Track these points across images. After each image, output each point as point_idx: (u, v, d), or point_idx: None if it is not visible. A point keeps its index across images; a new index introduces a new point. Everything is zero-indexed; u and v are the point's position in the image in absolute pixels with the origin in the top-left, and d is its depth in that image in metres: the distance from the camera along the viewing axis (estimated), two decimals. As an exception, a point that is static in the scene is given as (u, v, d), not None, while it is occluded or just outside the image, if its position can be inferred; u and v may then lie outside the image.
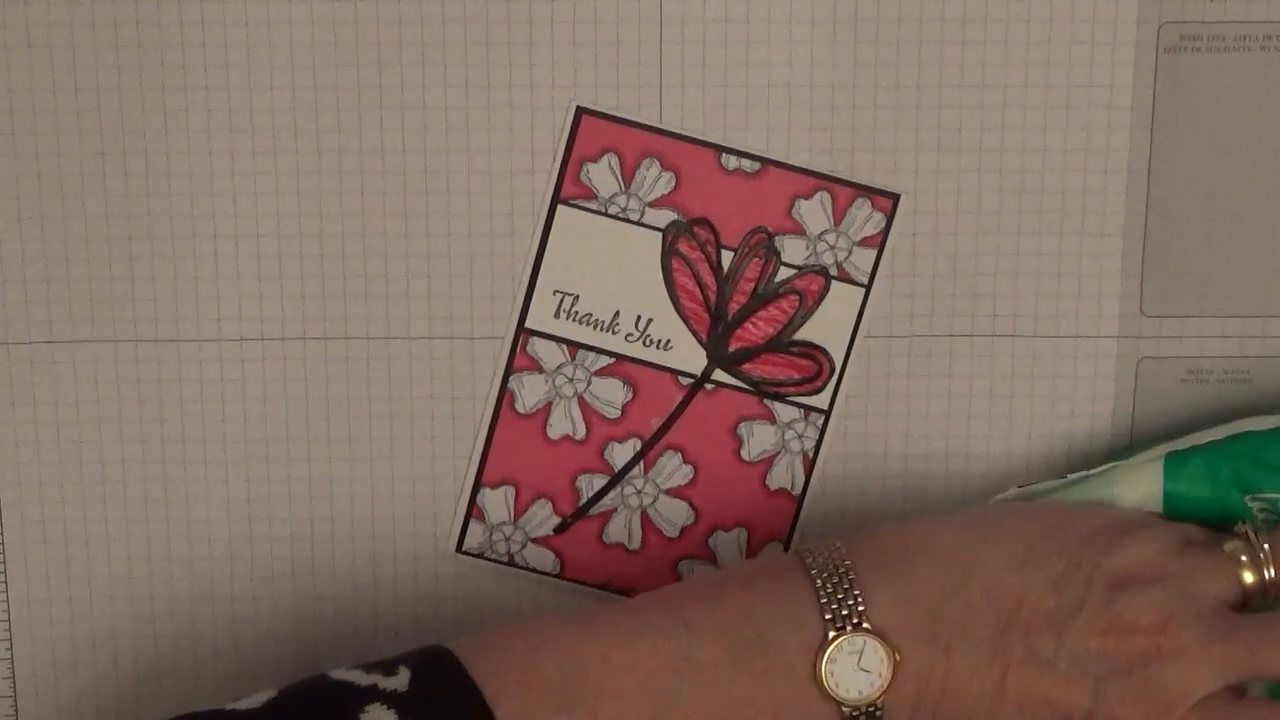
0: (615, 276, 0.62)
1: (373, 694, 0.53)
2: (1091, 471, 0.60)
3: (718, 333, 0.62)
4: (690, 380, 0.62)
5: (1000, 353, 0.62)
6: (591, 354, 0.62)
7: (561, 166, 0.61)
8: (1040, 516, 0.58)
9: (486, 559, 0.64)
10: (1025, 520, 0.58)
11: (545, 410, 0.63)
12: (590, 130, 0.61)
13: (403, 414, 0.63)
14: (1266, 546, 0.56)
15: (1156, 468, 0.59)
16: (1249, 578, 0.56)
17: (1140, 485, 0.59)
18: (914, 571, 0.56)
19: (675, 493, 0.63)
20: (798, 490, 0.63)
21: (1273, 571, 0.56)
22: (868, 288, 0.62)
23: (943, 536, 0.57)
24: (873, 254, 0.62)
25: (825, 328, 0.62)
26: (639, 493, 0.63)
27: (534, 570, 0.64)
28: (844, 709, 0.55)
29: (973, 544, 0.57)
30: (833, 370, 0.62)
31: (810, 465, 0.63)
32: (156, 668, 0.64)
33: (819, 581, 0.56)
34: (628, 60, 0.60)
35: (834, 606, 0.55)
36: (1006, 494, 0.60)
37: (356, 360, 0.62)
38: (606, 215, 0.61)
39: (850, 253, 0.62)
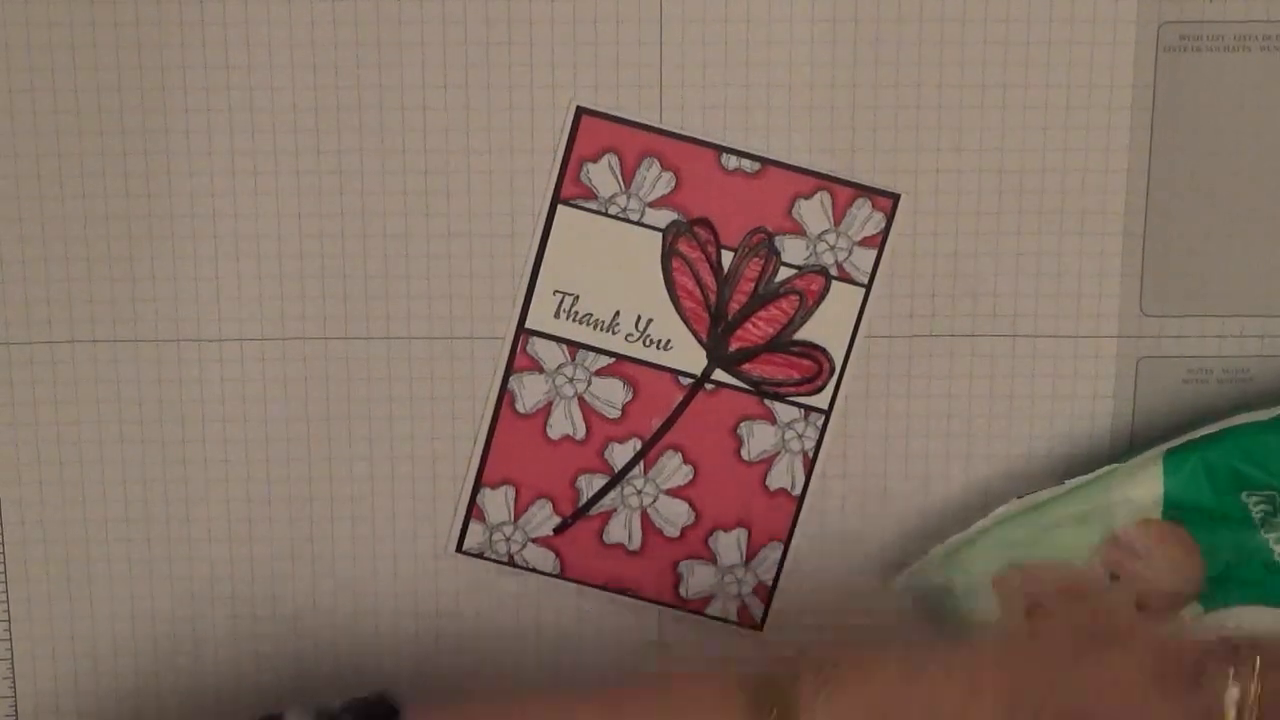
0: (615, 276, 0.62)
1: None
2: (1089, 476, 0.60)
3: (718, 333, 0.62)
4: (690, 380, 0.62)
5: (1000, 353, 0.62)
6: (591, 354, 0.62)
7: (561, 166, 0.61)
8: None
9: (486, 559, 0.64)
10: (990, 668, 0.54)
11: (545, 410, 0.63)
12: (590, 130, 0.61)
13: (403, 414, 0.63)
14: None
15: (1156, 469, 0.59)
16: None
17: (1140, 487, 0.59)
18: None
19: (675, 493, 0.63)
20: (798, 490, 0.63)
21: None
22: (868, 288, 0.62)
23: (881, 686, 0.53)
24: (873, 254, 0.62)
25: (825, 328, 0.62)
26: (639, 493, 0.63)
27: (534, 570, 0.64)
28: None
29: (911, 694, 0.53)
30: (833, 370, 0.62)
31: (810, 465, 0.63)
32: (156, 667, 0.64)
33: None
34: (628, 60, 0.60)
35: None
36: (1007, 507, 0.60)
37: (356, 360, 0.62)
38: (606, 215, 0.61)
39: (850, 253, 0.62)
